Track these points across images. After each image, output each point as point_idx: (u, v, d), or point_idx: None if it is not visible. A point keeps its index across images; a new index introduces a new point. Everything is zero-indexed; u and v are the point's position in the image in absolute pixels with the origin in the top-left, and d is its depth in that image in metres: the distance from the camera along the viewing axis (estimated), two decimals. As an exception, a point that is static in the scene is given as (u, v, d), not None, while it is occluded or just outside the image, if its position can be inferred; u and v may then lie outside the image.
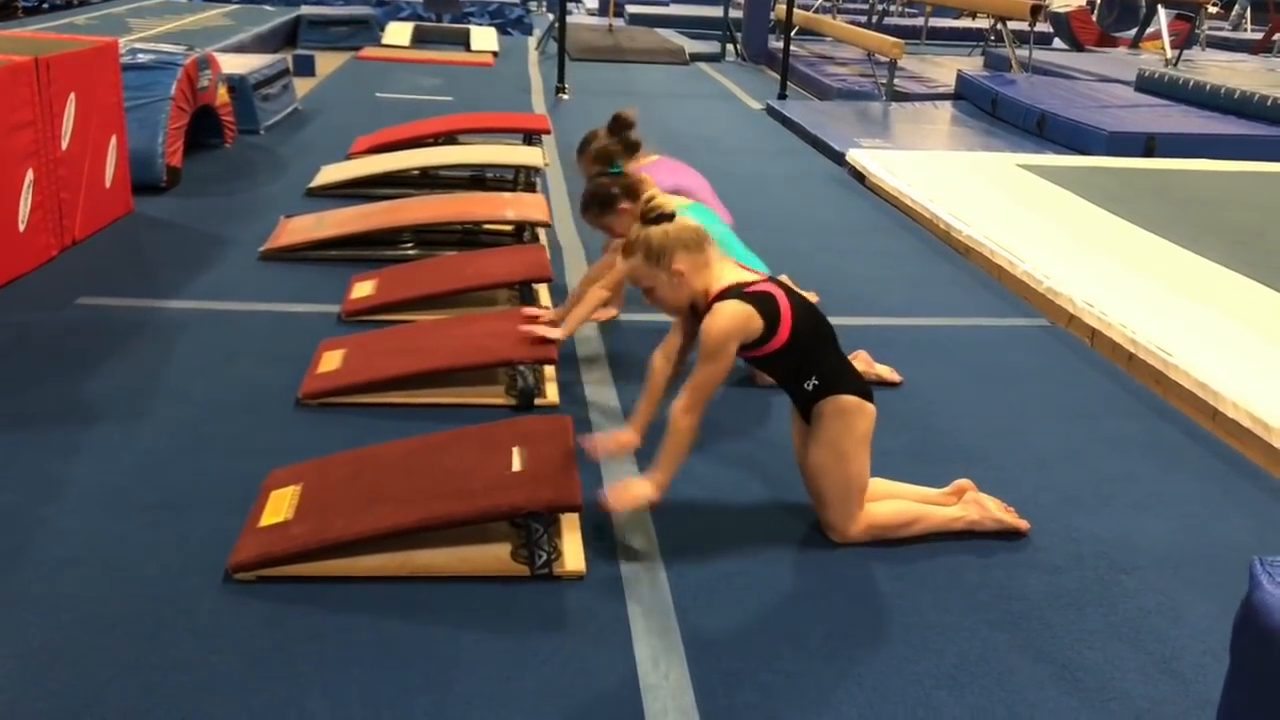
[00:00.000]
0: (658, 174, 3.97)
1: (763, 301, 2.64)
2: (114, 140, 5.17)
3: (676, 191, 3.85)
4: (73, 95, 4.71)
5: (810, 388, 2.72)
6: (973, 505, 2.87)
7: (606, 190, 3.46)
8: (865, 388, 2.77)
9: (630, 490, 2.64)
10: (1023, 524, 2.88)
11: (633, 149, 3.96)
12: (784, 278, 4.44)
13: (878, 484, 2.89)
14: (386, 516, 2.56)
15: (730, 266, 2.75)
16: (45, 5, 11.91)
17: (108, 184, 5.11)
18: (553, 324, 3.65)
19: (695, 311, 2.72)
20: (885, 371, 3.80)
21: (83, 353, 3.71)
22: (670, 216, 2.67)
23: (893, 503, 2.85)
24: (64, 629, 2.31)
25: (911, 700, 2.24)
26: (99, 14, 10.83)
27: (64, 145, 4.66)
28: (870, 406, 2.75)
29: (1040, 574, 2.72)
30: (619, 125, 3.97)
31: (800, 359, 2.71)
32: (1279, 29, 14.65)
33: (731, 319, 2.60)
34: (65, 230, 4.71)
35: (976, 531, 2.85)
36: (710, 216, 3.67)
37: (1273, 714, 1.47)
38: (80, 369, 3.59)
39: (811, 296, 4.43)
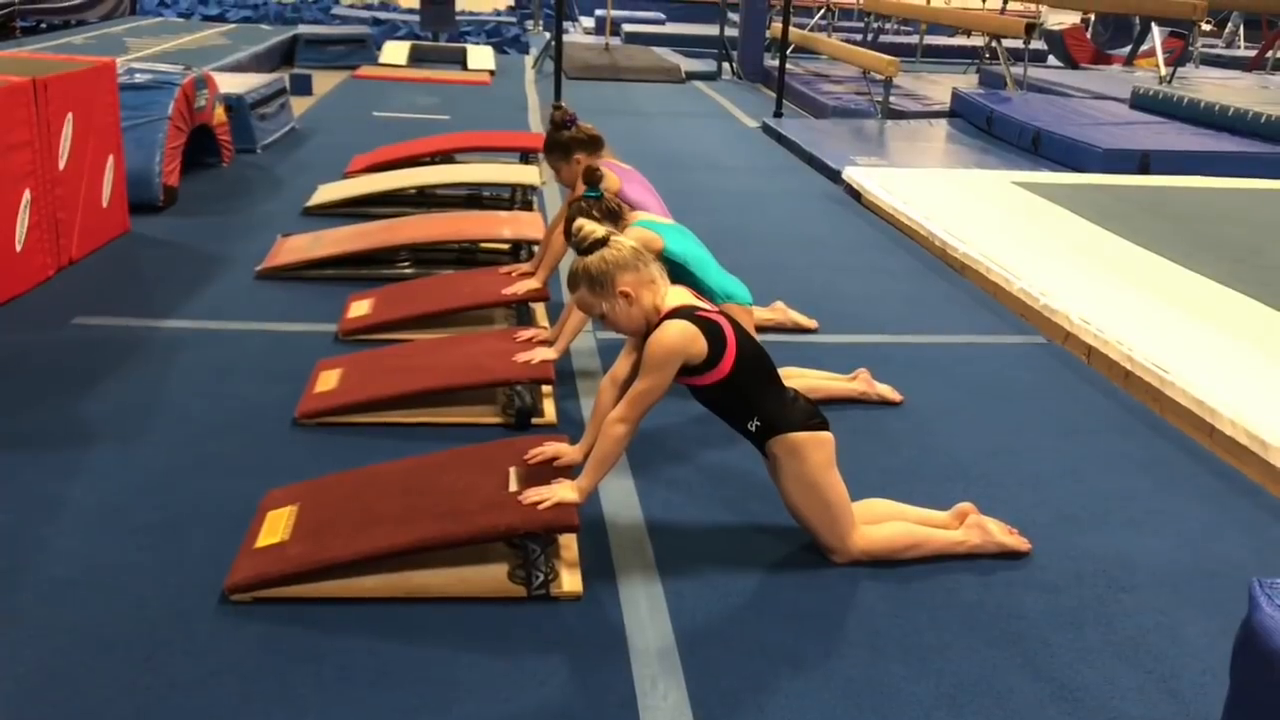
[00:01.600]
0: (628, 182, 4.09)
1: (710, 327, 2.65)
2: (111, 160, 5.18)
3: (639, 204, 4.03)
4: (70, 115, 4.72)
5: (754, 429, 2.73)
6: (975, 530, 2.87)
7: (587, 214, 3.49)
8: (815, 417, 2.75)
9: (554, 495, 2.61)
10: (1024, 545, 2.88)
11: (596, 144, 4.16)
12: (779, 304, 4.52)
13: (878, 505, 2.89)
14: (383, 537, 2.56)
15: (682, 292, 2.76)
16: (43, 25, 11.95)
17: (105, 204, 5.11)
18: (545, 343, 3.67)
19: (648, 333, 2.72)
20: (886, 391, 3.80)
21: (79, 372, 3.71)
22: (604, 241, 2.66)
23: (894, 525, 2.84)
24: (60, 650, 2.30)
25: (910, 720, 2.23)
26: (96, 34, 10.86)
27: (61, 165, 4.67)
28: (821, 435, 2.73)
29: (1038, 593, 2.71)
30: (564, 121, 4.17)
31: (741, 396, 2.70)
32: (1272, 46, 14.72)
33: (677, 335, 2.60)
34: (62, 250, 4.71)
35: (978, 555, 2.84)
36: (688, 237, 3.71)
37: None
38: (77, 389, 3.58)
39: (810, 323, 4.46)
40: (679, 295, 2.73)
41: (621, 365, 2.80)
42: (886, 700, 2.29)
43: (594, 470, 2.63)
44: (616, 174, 4.13)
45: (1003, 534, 2.88)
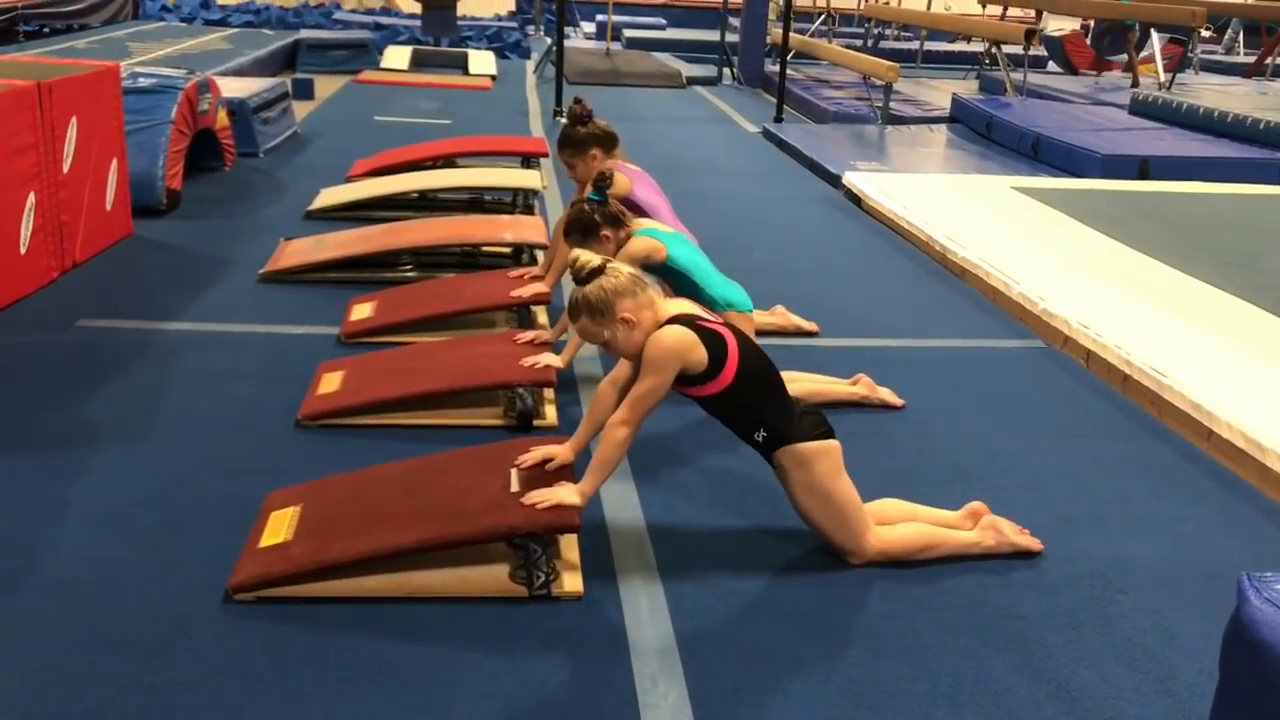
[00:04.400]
0: (638, 184, 4.11)
1: (710, 336, 2.66)
2: (115, 164, 5.20)
3: (648, 206, 4.05)
4: (74, 119, 4.75)
5: (760, 439, 2.74)
6: (990, 531, 2.89)
7: (590, 218, 3.51)
8: (816, 426, 2.76)
9: (555, 495, 2.62)
10: (1037, 544, 2.90)
11: (612, 142, 4.18)
12: (780, 308, 4.54)
13: (891, 505, 2.90)
14: (385, 537, 2.58)
15: (683, 303, 2.78)
16: (46, 30, 11.98)
17: (108, 207, 5.14)
18: (548, 345, 3.70)
19: None
20: (888, 395, 3.82)
21: (83, 374, 3.73)
22: (601, 270, 2.67)
23: (910, 527, 2.86)
24: (65, 649, 2.32)
25: (909, 720, 2.25)
26: (99, 38, 10.89)
27: (65, 169, 4.70)
28: (828, 443, 2.74)
29: (1036, 594, 2.73)
30: (583, 114, 4.18)
31: (745, 407, 2.72)
32: (1271, 52, 14.75)
33: (675, 339, 2.62)
34: (66, 253, 4.74)
35: (991, 556, 2.86)
36: (689, 245, 3.73)
37: (1264, 728, 1.49)
38: (81, 391, 3.60)
39: (811, 326, 4.48)
40: (679, 306, 2.75)
41: (622, 368, 2.82)
42: (885, 699, 2.30)
43: (595, 473, 2.64)
44: (627, 175, 4.15)
45: (1015, 534, 2.90)
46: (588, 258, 2.70)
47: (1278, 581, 1.53)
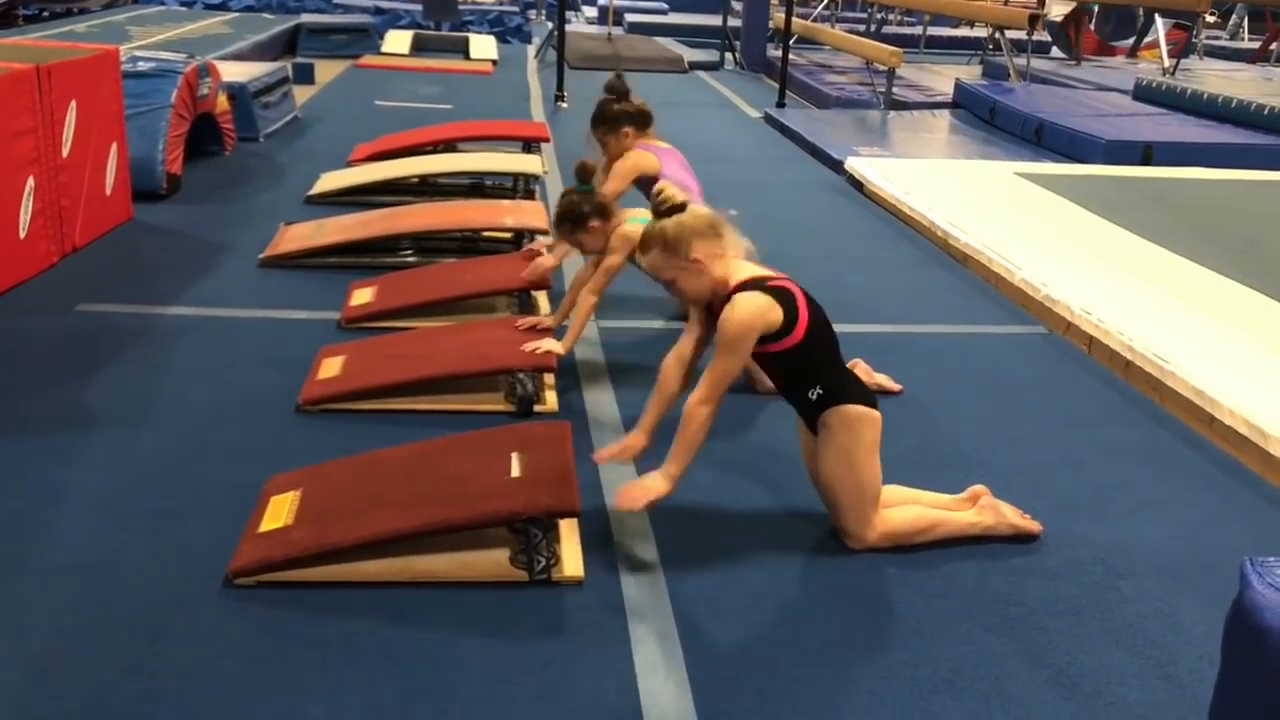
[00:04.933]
0: (667, 162, 4.09)
1: (783, 295, 2.67)
2: (114, 148, 5.19)
3: (681, 184, 4.01)
4: (73, 103, 4.73)
5: (815, 397, 2.73)
6: (989, 511, 2.89)
7: (578, 208, 3.54)
8: (869, 396, 2.79)
9: (643, 486, 2.64)
10: (1036, 526, 2.90)
11: (646, 120, 4.17)
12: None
13: (893, 491, 2.90)
14: (386, 521, 2.57)
15: (749, 264, 2.77)
16: (45, 14, 11.94)
17: (108, 191, 5.12)
18: (549, 331, 3.70)
19: (711, 310, 2.73)
20: (885, 380, 3.81)
21: (83, 359, 3.72)
22: (682, 207, 2.69)
23: (910, 509, 2.86)
24: (65, 634, 2.32)
25: (909, 705, 2.24)
26: (99, 22, 10.86)
27: (65, 152, 4.68)
28: (876, 414, 2.76)
29: (1038, 579, 2.73)
30: (621, 90, 4.20)
31: (808, 364, 2.72)
32: (1276, 38, 14.69)
33: (752, 309, 2.62)
34: (65, 237, 4.73)
35: (991, 537, 2.86)
36: None
37: (1264, 712, 1.48)
38: (80, 375, 3.60)
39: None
40: (747, 269, 2.74)
41: (685, 343, 2.79)
42: (885, 684, 2.30)
43: (681, 455, 2.64)
44: (656, 155, 4.16)
45: (1015, 515, 2.90)
46: (672, 192, 2.73)
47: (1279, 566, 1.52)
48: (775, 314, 2.64)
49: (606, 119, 4.17)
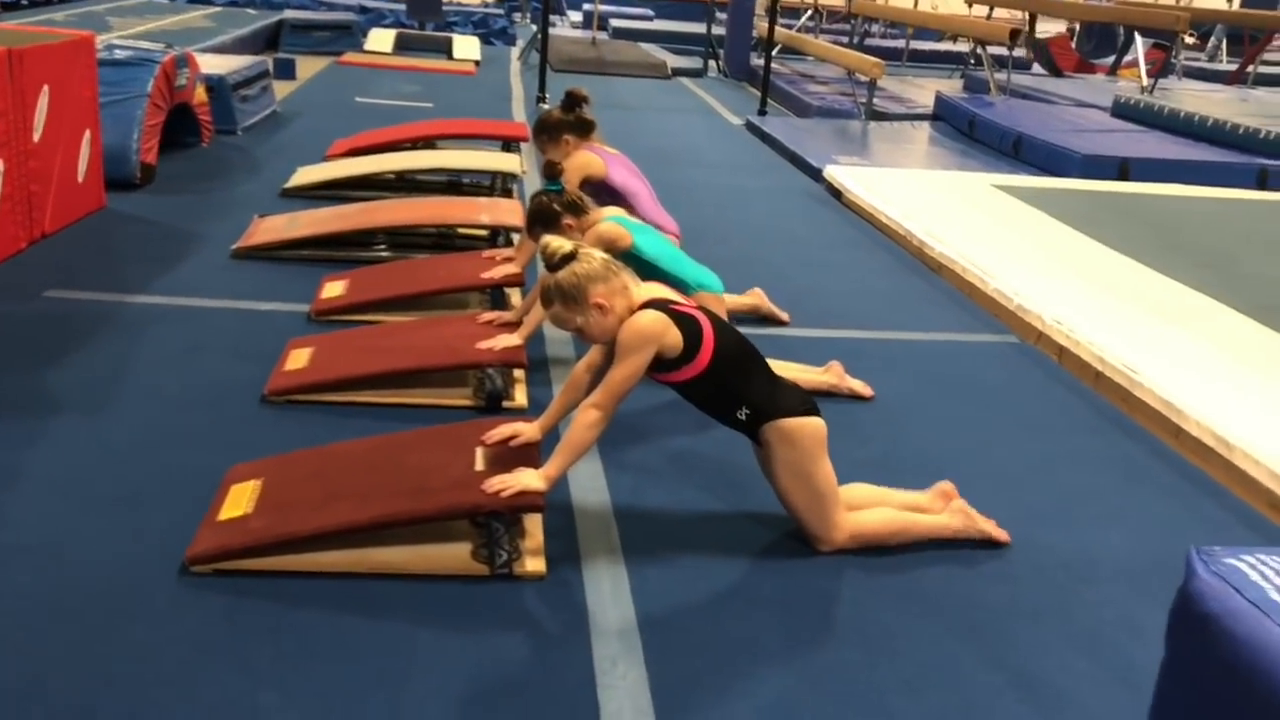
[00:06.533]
0: (614, 167, 4.09)
1: (684, 320, 2.64)
2: (88, 135, 5.13)
3: (626, 189, 4.05)
4: (46, 88, 4.68)
5: (744, 416, 2.72)
6: (960, 515, 2.89)
7: (549, 208, 3.51)
8: (806, 402, 2.76)
9: (517, 480, 2.56)
10: (1004, 535, 2.90)
11: (586, 128, 4.12)
12: (757, 290, 4.53)
13: (862, 490, 2.89)
14: (346, 512, 2.55)
15: (656, 288, 2.75)
16: (25, 2, 11.84)
17: (80, 178, 5.07)
18: (508, 325, 3.67)
19: None
20: (858, 386, 3.81)
21: (48, 345, 3.68)
22: (573, 255, 2.64)
23: (880, 512, 2.85)
24: (10, 615, 2.28)
25: (867, 705, 2.24)
26: (79, 11, 10.78)
27: (36, 137, 4.63)
28: (813, 420, 2.73)
29: (1001, 584, 2.73)
30: (572, 101, 4.16)
31: (723, 387, 2.70)
32: (1253, 60, 14.82)
33: (650, 323, 2.60)
34: (35, 223, 4.67)
35: (959, 540, 2.86)
36: (653, 235, 3.72)
37: (1206, 700, 1.48)
38: (45, 361, 3.55)
39: (783, 316, 4.47)
40: (652, 291, 2.73)
41: (596, 352, 2.79)
42: (844, 685, 2.29)
43: (562, 456, 2.60)
44: (603, 159, 4.14)
45: (984, 521, 2.90)
46: (559, 244, 2.67)
47: (1226, 556, 1.52)
48: (674, 334, 2.60)
49: (547, 128, 4.21)
